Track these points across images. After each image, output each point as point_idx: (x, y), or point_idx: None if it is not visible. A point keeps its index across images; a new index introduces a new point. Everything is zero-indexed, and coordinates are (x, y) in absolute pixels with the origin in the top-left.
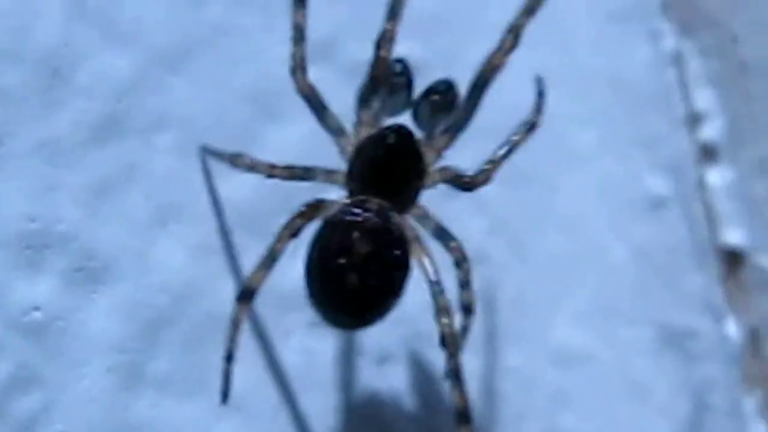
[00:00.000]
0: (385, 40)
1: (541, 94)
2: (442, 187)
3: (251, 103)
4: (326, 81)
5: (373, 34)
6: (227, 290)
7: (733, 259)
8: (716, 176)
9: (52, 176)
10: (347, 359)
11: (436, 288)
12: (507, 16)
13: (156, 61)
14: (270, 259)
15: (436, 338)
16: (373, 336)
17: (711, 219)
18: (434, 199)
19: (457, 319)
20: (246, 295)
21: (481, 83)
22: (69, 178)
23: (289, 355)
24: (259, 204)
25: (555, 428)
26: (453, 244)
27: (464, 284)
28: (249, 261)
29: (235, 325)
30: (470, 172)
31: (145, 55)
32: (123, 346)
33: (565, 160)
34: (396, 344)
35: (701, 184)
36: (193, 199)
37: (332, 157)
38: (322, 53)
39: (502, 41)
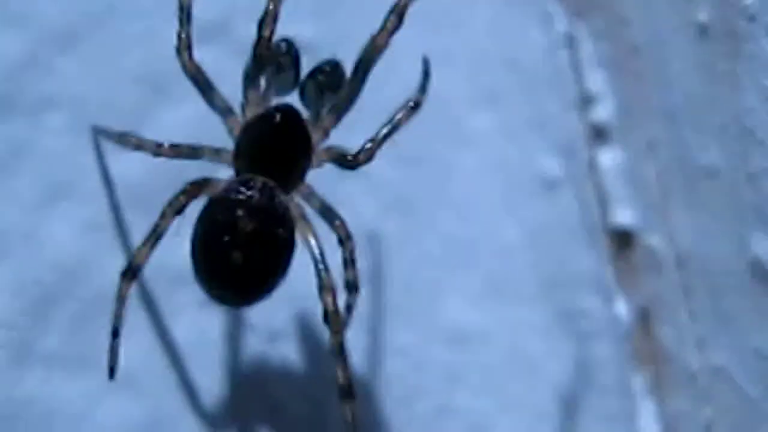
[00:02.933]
0: (267, 19)
1: (426, 74)
2: (336, 168)
3: (142, 83)
4: (218, 61)
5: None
6: (116, 268)
7: (623, 239)
8: (607, 157)
9: None
10: (237, 336)
11: (320, 266)
12: None
13: (46, 42)
14: (154, 236)
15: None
16: (263, 313)
17: (602, 199)
18: (327, 179)
19: (343, 297)
20: (130, 271)
21: (365, 63)
22: None
23: (180, 332)
24: (149, 183)
25: (447, 407)
26: (337, 222)
27: (349, 262)
28: (138, 238)
29: (120, 301)
30: (354, 151)
31: (35, 35)
32: (11, 323)
33: (458, 141)
34: (285, 322)
35: (592, 165)
36: (83, 178)
37: (223, 137)
38: (214, 34)
39: (385, 21)
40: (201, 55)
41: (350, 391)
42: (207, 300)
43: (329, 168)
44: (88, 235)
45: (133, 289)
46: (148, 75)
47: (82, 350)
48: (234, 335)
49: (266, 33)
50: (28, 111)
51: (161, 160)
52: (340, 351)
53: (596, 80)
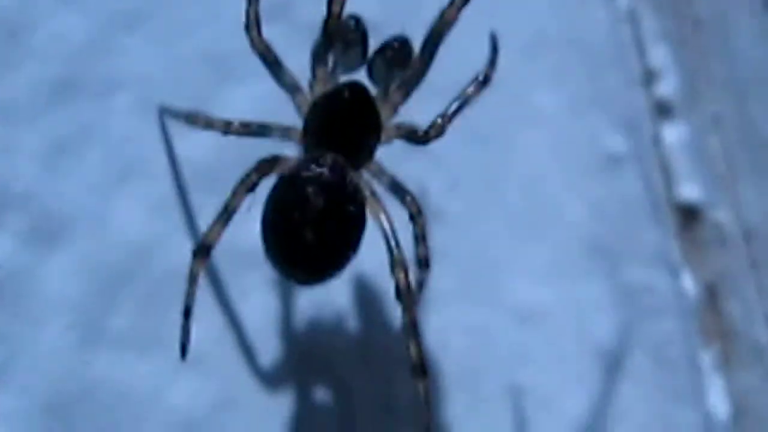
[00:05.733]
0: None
1: (494, 50)
2: (400, 146)
3: (208, 63)
4: (283, 39)
5: None
6: (185, 247)
7: (689, 215)
8: (672, 133)
9: (10, 137)
10: (306, 315)
11: (391, 242)
12: None
13: (112, 23)
14: (226, 214)
15: (393, 292)
16: (333, 291)
17: (667, 175)
18: (393, 157)
19: (414, 274)
20: (202, 250)
21: (434, 39)
22: (27, 139)
23: (249, 312)
24: (217, 162)
25: (512, 384)
26: (408, 198)
27: (420, 238)
28: (207, 218)
29: (192, 280)
30: (424, 127)
31: (101, 16)
32: (82, 304)
33: (522, 118)
34: (355, 299)
35: (657, 141)
36: (151, 159)
37: (290, 115)
38: (278, 12)
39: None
40: (267, 33)
41: (423, 368)
42: (276, 279)
43: (396, 145)
44: (157, 215)
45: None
46: (214, 54)
47: (152, 330)
48: (303, 314)
49: (336, 9)
50: (95, 92)
51: (228, 139)
52: (412, 328)
53: (659, 55)
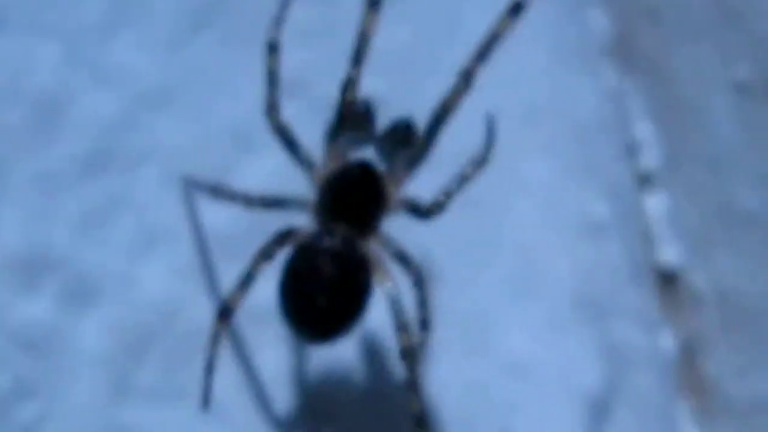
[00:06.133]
0: (349, 85)
1: (490, 132)
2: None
3: (229, 137)
4: (296, 115)
5: (341, 72)
6: (208, 308)
7: (667, 278)
8: (653, 201)
9: (47, 206)
10: (316, 368)
11: (396, 307)
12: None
13: (141, 101)
14: (246, 281)
15: (397, 351)
16: (341, 347)
17: (648, 240)
18: (396, 223)
19: (416, 335)
20: (225, 313)
21: (436, 122)
22: (62, 208)
23: (264, 365)
24: (236, 229)
25: None
26: (412, 266)
27: (422, 303)
28: (227, 281)
29: (214, 341)
30: (427, 203)
31: (130, 94)
32: (112, 359)
33: (513, 186)
34: (361, 355)
35: (639, 209)
36: (176, 226)
37: (304, 185)
38: (293, 90)
39: (456, 85)
40: (283, 107)
41: (423, 421)
42: (291, 337)
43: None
44: (180, 278)
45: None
46: (235, 129)
47: (176, 385)
48: (314, 368)
49: (349, 97)
50: (125, 165)
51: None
52: (414, 384)
53: (643, 130)
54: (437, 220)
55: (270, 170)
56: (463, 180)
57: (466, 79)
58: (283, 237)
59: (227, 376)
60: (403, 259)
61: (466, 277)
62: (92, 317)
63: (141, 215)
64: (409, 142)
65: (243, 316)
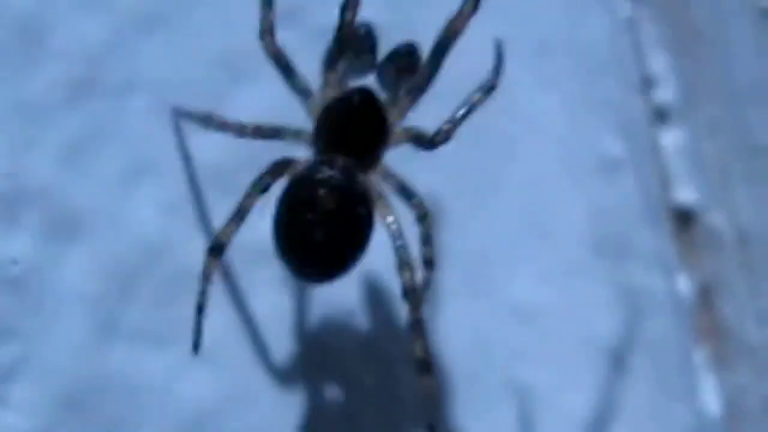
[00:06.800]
0: (350, 5)
1: (499, 57)
2: (408, 148)
3: (222, 64)
4: (294, 44)
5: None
6: (198, 245)
7: (684, 218)
8: (669, 137)
9: (28, 136)
10: (314, 312)
11: (398, 243)
12: None
13: (128, 25)
14: (239, 215)
15: (399, 292)
16: (342, 289)
17: (664, 179)
18: (399, 159)
19: (419, 274)
20: (216, 248)
21: (442, 47)
22: (44, 138)
23: (259, 308)
24: (229, 162)
25: (513, 381)
26: (415, 200)
27: (426, 239)
28: (219, 217)
29: (205, 278)
30: (431, 132)
31: (117, 19)
32: (97, 299)
33: (523, 122)
34: (363, 297)
35: (654, 146)
36: (165, 159)
37: (301, 115)
38: (291, 17)
39: (462, 6)
40: (279, 37)
41: (428, 364)
42: (286, 277)
43: (402, 149)
44: (169, 213)
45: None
46: (227, 57)
47: (165, 326)
48: (313, 311)
49: (349, 17)
50: (111, 93)
51: (238, 140)
52: (418, 326)
53: (658, 62)
54: (442, 158)
55: (265, 99)
56: (469, 107)
57: (473, 1)
58: (278, 167)
59: (220, 319)
60: (406, 192)
61: (472, 218)
62: (76, 254)
63: (128, 146)
64: (412, 69)
65: (237, 256)
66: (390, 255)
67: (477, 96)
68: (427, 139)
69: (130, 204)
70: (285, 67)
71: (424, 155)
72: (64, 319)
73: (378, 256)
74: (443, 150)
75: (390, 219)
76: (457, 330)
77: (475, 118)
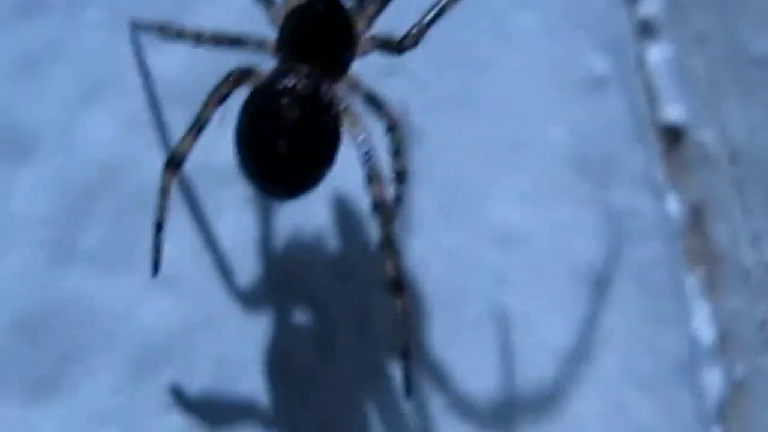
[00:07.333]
0: None
1: None
2: (379, 66)
3: None
4: None
5: None
6: (157, 164)
7: (673, 136)
8: (655, 52)
9: None
10: (280, 234)
11: (366, 155)
12: None
13: None
14: (197, 126)
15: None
16: (309, 210)
17: (651, 96)
18: (369, 78)
19: (390, 189)
20: (174, 162)
21: None
22: None
23: (222, 231)
24: (190, 77)
25: (493, 307)
26: (384, 109)
27: (396, 151)
28: (179, 134)
29: (163, 194)
30: (399, 37)
31: None
32: (52, 221)
33: (501, 39)
34: (331, 218)
35: (640, 61)
36: (122, 74)
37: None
38: None
39: None
40: None
41: (400, 284)
42: (252, 196)
43: (372, 67)
44: (127, 130)
45: (175, 187)
46: None
47: (123, 248)
48: (277, 233)
49: None
50: (65, 6)
51: (201, 52)
52: (389, 243)
53: None
54: (416, 76)
55: (226, 11)
56: (438, 11)
57: None
58: (237, 76)
59: (182, 242)
60: (375, 102)
61: (447, 139)
62: (28, 174)
63: (83, 62)
64: None
65: (200, 177)
66: (359, 172)
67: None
68: (394, 43)
69: (86, 121)
70: None
71: (397, 74)
72: (17, 242)
73: (347, 174)
74: (417, 68)
75: (358, 130)
76: (433, 254)
77: (450, 34)
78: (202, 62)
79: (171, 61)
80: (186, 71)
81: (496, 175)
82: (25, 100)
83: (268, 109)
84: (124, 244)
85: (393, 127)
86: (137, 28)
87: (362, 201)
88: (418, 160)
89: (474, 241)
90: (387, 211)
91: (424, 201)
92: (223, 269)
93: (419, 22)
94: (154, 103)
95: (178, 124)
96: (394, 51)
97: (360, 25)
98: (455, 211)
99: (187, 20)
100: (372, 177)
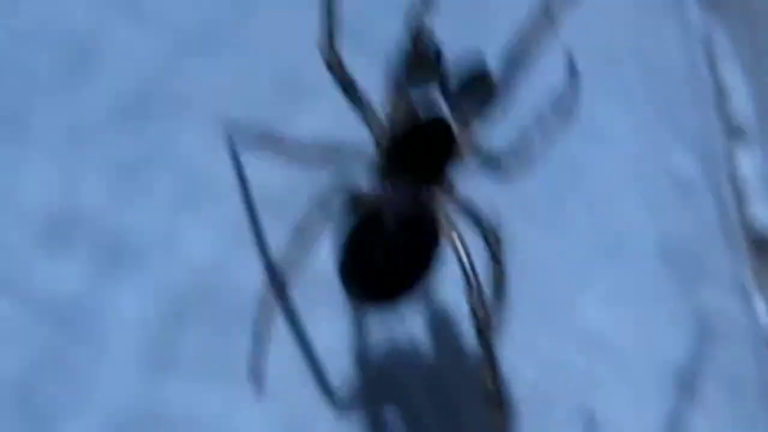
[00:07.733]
0: (419, 26)
1: (572, 70)
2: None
3: (280, 82)
4: (355, 63)
5: (401, 14)
6: (255, 272)
7: (762, 243)
8: (745, 155)
9: (80, 159)
10: (377, 342)
11: (466, 267)
12: None
13: (182, 43)
14: (303, 241)
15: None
16: (405, 319)
17: (740, 200)
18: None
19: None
20: (278, 278)
21: (513, 65)
22: (96, 161)
23: (319, 338)
24: (288, 186)
25: (583, 409)
26: (484, 222)
27: (494, 259)
28: (276, 242)
29: (266, 309)
30: (498, 153)
31: (171, 37)
32: (151, 328)
33: (590, 137)
34: (427, 328)
35: (730, 164)
36: (221, 182)
37: (362, 136)
38: (352, 36)
39: (535, 21)
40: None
41: (499, 398)
42: (348, 304)
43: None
44: (226, 239)
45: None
46: (286, 75)
47: (220, 355)
48: (375, 342)
49: (417, 36)
50: (166, 114)
51: (298, 162)
52: (487, 353)
53: (732, 75)
54: None
55: (325, 118)
56: (546, 137)
57: (547, 13)
58: (343, 193)
59: (277, 351)
60: (475, 214)
61: (537, 240)
62: (129, 282)
63: (183, 170)
64: (485, 90)
65: (298, 284)
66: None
67: (553, 123)
68: (495, 162)
69: (186, 229)
70: (348, 85)
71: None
72: (116, 349)
73: (445, 281)
74: None
75: (458, 242)
76: (524, 356)
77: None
78: (301, 170)
79: (269, 168)
80: (285, 178)
81: (586, 276)
82: (127, 207)
83: (369, 223)
84: (222, 352)
85: (492, 241)
86: (237, 136)
87: (459, 310)
88: (509, 260)
89: (563, 341)
90: (485, 319)
91: (515, 302)
92: (319, 377)
93: (527, 148)
94: (253, 212)
95: (276, 233)
96: (499, 176)
97: (464, 140)
98: (544, 313)
99: (286, 124)
100: (471, 289)
